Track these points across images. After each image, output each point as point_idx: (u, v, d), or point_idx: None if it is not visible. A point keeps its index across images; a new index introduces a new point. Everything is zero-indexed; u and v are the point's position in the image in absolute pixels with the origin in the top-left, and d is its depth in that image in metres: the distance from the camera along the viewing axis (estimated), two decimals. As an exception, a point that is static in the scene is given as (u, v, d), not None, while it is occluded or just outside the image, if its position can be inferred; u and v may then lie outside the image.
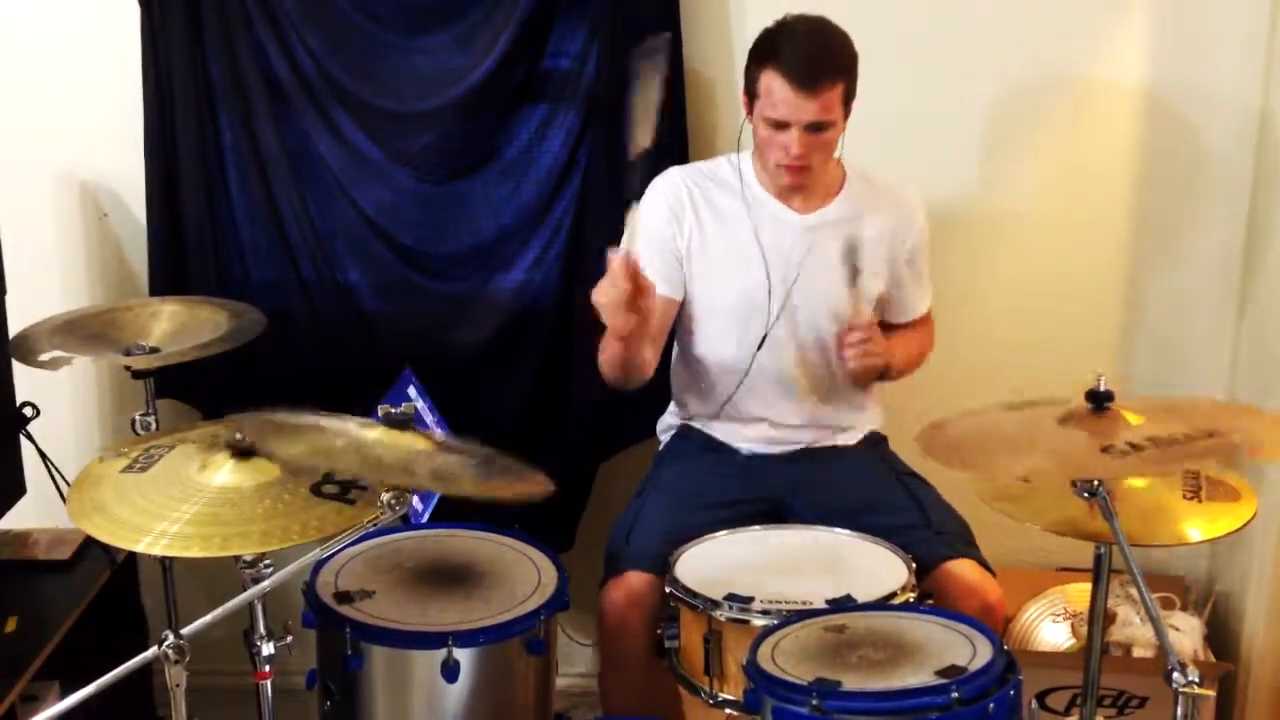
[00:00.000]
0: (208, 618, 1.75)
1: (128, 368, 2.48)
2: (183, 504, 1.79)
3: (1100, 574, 2.14)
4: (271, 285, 2.92)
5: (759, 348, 2.50)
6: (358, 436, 1.85)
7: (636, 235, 2.19)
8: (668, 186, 2.52)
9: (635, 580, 2.29)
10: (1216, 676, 2.68)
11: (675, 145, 2.78)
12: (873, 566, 2.24)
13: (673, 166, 2.58)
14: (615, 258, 2.16)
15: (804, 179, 2.42)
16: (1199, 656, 2.75)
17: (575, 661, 3.03)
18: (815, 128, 2.35)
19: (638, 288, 2.17)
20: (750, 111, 2.43)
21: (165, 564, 2.58)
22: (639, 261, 2.17)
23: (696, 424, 2.64)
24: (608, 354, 2.39)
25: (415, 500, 2.54)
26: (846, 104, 2.39)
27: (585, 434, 2.93)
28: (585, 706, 2.86)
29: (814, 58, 2.33)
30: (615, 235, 2.24)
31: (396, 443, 1.85)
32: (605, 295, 2.18)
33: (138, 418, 2.53)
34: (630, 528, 2.43)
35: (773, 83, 2.34)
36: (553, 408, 2.94)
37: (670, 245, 2.50)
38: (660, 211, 2.50)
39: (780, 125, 2.35)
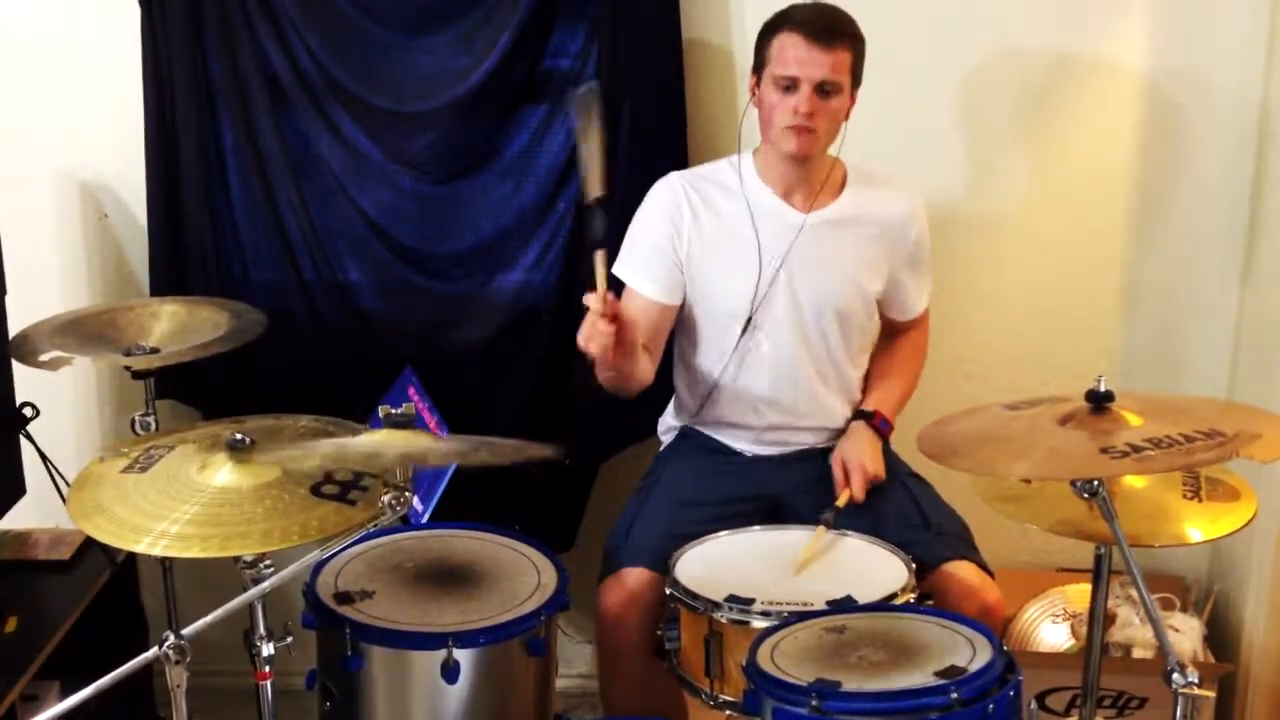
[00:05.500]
0: (208, 618, 1.75)
1: (128, 368, 2.48)
2: (183, 504, 1.80)
3: (1100, 574, 2.13)
4: (271, 285, 2.92)
5: (759, 346, 2.51)
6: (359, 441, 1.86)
7: (604, 279, 2.22)
8: (667, 192, 2.53)
9: (632, 577, 2.30)
10: (1216, 677, 2.68)
11: (674, 139, 2.79)
12: (873, 567, 2.24)
13: (674, 172, 2.58)
14: (592, 301, 2.20)
15: (811, 146, 2.41)
16: (1199, 657, 2.75)
17: (575, 662, 3.03)
18: (824, 90, 2.36)
19: (620, 326, 2.21)
20: (757, 87, 2.44)
21: (165, 564, 2.58)
22: (614, 301, 2.21)
23: (697, 425, 2.64)
24: (603, 378, 2.41)
25: (415, 500, 2.53)
26: (854, 80, 2.41)
27: (585, 434, 2.93)
28: (585, 706, 2.86)
29: (827, 18, 2.39)
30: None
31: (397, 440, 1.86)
32: (590, 342, 2.22)
33: (138, 418, 2.53)
34: (630, 526, 2.44)
35: (785, 41, 2.37)
36: (552, 407, 2.94)
37: (669, 251, 2.50)
38: (659, 218, 2.51)
39: (790, 85, 2.37)
